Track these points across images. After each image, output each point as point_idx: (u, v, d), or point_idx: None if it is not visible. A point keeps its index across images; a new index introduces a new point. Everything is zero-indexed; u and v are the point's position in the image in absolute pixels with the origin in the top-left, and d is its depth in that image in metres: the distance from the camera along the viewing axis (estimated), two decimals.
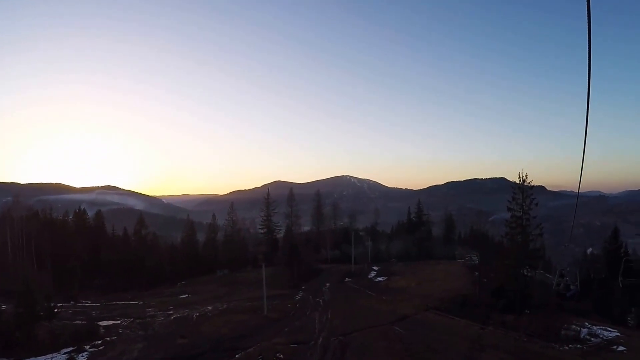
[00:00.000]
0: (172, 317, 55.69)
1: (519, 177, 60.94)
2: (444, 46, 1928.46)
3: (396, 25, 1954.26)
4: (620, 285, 28.74)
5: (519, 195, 61.08)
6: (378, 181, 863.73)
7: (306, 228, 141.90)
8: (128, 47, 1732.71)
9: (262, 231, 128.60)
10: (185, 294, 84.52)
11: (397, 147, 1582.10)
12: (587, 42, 7.52)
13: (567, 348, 43.91)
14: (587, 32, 7.30)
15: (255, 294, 67.99)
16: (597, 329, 54.32)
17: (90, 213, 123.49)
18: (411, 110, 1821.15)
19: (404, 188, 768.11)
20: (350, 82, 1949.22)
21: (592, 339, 49.20)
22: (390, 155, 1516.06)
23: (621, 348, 45.45)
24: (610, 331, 54.12)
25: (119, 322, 52.90)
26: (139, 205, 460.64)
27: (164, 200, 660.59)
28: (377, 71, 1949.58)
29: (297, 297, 72.63)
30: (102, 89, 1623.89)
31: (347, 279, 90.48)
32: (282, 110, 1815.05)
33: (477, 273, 72.22)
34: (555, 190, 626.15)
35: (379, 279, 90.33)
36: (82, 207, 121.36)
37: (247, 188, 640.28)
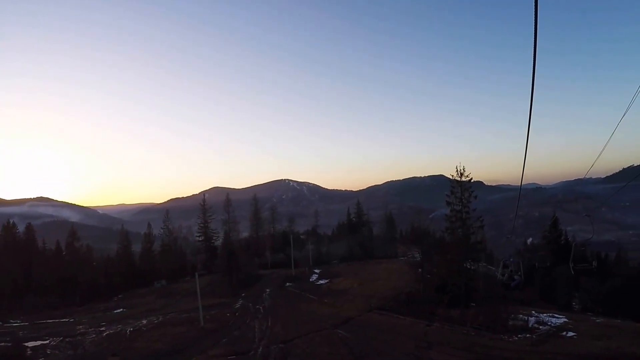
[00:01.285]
0: (104, 334, 52.61)
1: (457, 170, 60.72)
2: (379, 44, 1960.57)
3: (329, 24, 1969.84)
4: (572, 271, 28.29)
5: (457, 189, 60.85)
6: (318, 183, 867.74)
7: (245, 234, 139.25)
8: (62, 48, 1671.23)
9: (200, 239, 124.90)
10: (120, 309, 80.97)
11: (336, 149, 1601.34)
12: (533, 43, 7.28)
13: (516, 338, 43.71)
14: (532, 33, 7.07)
15: (194, 304, 65.53)
16: (544, 316, 54.66)
17: (22, 226, 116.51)
18: (348, 112, 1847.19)
19: (343, 189, 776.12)
20: (285, 85, 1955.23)
21: (541, 327, 49.23)
22: (330, 157, 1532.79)
23: (571, 334, 45.61)
24: (557, 317, 54.46)
25: (47, 342, 49.61)
26: (73, 217, 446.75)
27: (100, 211, 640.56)
28: (312, 73, 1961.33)
29: (237, 306, 70.16)
30: (31, 93, 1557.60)
31: (288, 284, 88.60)
32: (217, 116, 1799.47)
33: (420, 270, 71.82)
34: (493, 184, 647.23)
35: (321, 281, 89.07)
36: (12, 221, 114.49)
37: (184, 196, 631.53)
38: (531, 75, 8.06)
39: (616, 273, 79.49)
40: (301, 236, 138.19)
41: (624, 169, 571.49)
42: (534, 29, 6.95)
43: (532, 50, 7.41)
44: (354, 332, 46.66)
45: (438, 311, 56.73)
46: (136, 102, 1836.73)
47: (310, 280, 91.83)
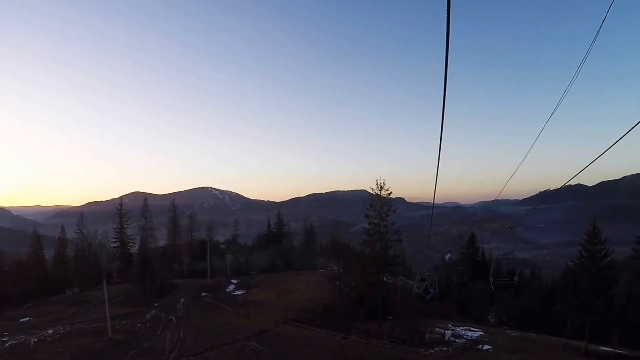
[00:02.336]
0: (7, 345, 49.46)
1: (377, 184, 60.84)
2: (306, 57, 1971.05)
3: (253, 29, 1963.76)
4: (492, 286, 28.77)
5: (376, 203, 60.96)
6: (240, 193, 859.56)
7: (164, 241, 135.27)
8: None
9: (115, 245, 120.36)
10: (26, 317, 76.36)
11: (260, 159, 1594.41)
12: (444, 66, 7.09)
13: (432, 351, 44.64)
14: (444, 56, 6.79)
15: (105, 314, 62.70)
16: (460, 329, 56.30)
17: None
18: (274, 123, 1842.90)
19: (266, 200, 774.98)
20: (210, 93, 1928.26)
21: (457, 340, 50.68)
22: (254, 167, 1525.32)
23: (487, 347, 47.33)
24: (473, 331, 56.30)
25: None
26: None
27: (13, 212, 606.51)
28: (237, 81, 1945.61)
29: (149, 315, 67.89)
30: None
31: (203, 294, 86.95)
32: (142, 121, 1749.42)
33: (337, 282, 72.13)
34: (414, 201, 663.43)
35: (238, 292, 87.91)
36: None
37: (104, 199, 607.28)
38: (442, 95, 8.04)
39: (530, 289, 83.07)
40: (221, 245, 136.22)
41: (540, 192, 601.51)
42: (445, 59, 6.87)
43: (443, 78, 7.40)
44: (268, 344, 46.38)
45: (355, 324, 57.29)
46: (56, 101, 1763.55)
47: (227, 290, 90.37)
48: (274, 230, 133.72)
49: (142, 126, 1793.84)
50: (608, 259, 50.92)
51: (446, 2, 5.68)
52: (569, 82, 11.51)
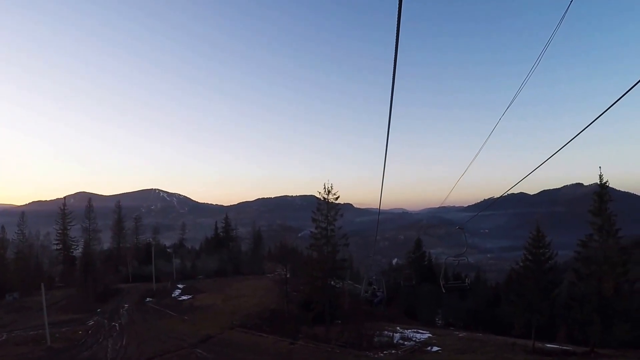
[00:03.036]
0: None
1: (324, 188, 60.81)
2: (257, 61, 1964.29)
3: (203, 33, 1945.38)
4: (443, 289, 28.76)
5: (324, 206, 60.96)
6: (188, 196, 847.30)
7: (108, 244, 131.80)
8: None
9: (58, 247, 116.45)
10: None
11: (209, 162, 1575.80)
12: (392, 73, 6.97)
13: (381, 355, 44.94)
14: (392, 64, 6.74)
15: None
16: (409, 332, 56.96)
17: None
18: (224, 125, 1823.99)
19: (214, 203, 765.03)
20: (159, 93, 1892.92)
21: (406, 342, 51.20)
22: (202, 169, 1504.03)
23: (435, 348, 48.14)
24: (422, 333, 57.01)
25: None
26: None
27: None
28: (186, 83, 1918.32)
29: (91, 322, 66.01)
30: None
31: (148, 299, 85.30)
32: (89, 118, 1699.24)
33: (285, 286, 71.89)
34: (362, 207, 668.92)
35: (184, 297, 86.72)
36: None
37: (48, 199, 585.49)
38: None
39: (476, 292, 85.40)
40: (168, 249, 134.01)
41: (484, 200, 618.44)
42: (393, 67, 6.86)
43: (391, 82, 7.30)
44: (214, 351, 46.09)
45: (302, 329, 57.02)
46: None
47: (173, 295, 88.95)
48: (221, 234, 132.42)
49: (89, 124, 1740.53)
50: (552, 261, 52.53)
51: (397, 9, 5.61)
52: (514, 95, 11.94)
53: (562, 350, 49.73)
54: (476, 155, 19.01)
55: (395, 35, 6.00)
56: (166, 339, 52.15)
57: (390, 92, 7.51)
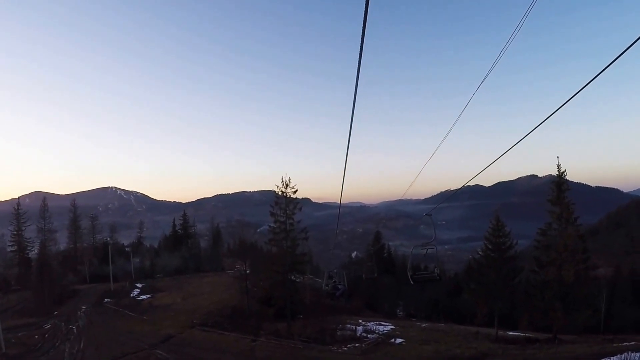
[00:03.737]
0: None
1: (282, 181, 60.19)
2: (214, 56, 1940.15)
3: (168, 29, 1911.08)
4: (411, 281, 27.29)
5: (282, 200, 60.34)
6: (146, 193, 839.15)
7: (65, 245, 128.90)
8: None
9: (13, 249, 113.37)
10: None
11: (166, 159, 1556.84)
12: (357, 70, 7.14)
13: (345, 349, 45.07)
14: (357, 60, 6.85)
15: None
16: (372, 324, 57.31)
17: None
18: (180, 122, 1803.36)
19: (172, 200, 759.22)
20: (116, 90, 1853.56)
21: (369, 335, 51.40)
22: (159, 166, 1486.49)
23: (399, 340, 48.49)
24: (385, 325, 57.49)
25: None
26: None
27: None
28: (144, 78, 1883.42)
29: (47, 326, 64.40)
30: None
31: (106, 300, 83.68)
32: (44, 116, 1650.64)
33: (245, 283, 71.20)
34: (320, 202, 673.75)
35: (142, 297, 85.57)
36: None
37: (2, 199, 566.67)
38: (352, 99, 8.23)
39: (436, 282, 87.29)
40: (126, 248, 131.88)
41: (441, 192, 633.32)
42: (357, 63, 6.94)
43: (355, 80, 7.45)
44: (174, 351, 45.57)
45: (264, 325, 57.05)
46: None
47: (132, 295, 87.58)
48: (179, 231, 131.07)
49: (43, 123, 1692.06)
50: (513, 250, 53.91)
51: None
52: (473, 92, 12.37)
53: (526, 337, 50.74)
54: (437, 149, 19.41)
55: (362, 27, 6.00)
56: (125, 341, 51.39)
57: (355, 85, 7.62)
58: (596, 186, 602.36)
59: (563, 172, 49.31)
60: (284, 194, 60.36)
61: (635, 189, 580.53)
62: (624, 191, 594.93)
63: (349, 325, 57.06)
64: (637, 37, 6.44)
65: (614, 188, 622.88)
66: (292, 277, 61.89)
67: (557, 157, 49.76)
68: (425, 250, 27.13)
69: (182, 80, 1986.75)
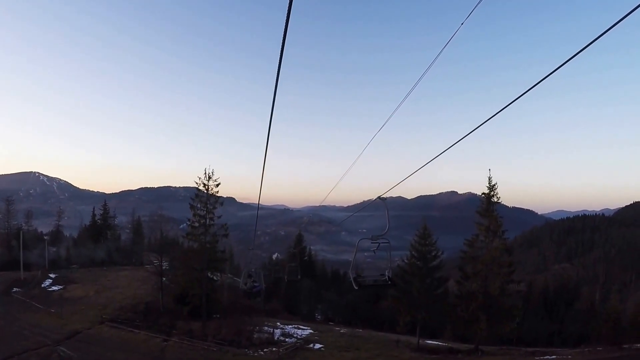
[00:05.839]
0: None
1: (205, 173, 59.21)
2: (144, 50, 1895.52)
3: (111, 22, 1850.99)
4: (355, 285, 21.80)
5: (203, 194, 59.23)
6: (70, 181, 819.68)
7: None
8: None
9: None
10: None
11: (92, 147, 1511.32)
12: (277, 71, 7.43)
13: (262, 353, 44.88)
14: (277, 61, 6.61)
15: None
16: (290, 328, 56.84)
17: None
18: (108, 111, 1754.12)
19: (96, 190, 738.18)
20: (43, 73, 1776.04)
21: (287, 339, 51.24)
22: (85, 154, 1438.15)
23: (318, 345, 48.33)
24: (303, 329, 57.26)
25: None
26: None
27: None
28: (74, 65, 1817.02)
29: None
30: None
31: (15, 289, 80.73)
32: None
33: (161, 278, 69.21)
34: (245, 202, 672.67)
35: (54, 288, 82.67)
36: None
37: None
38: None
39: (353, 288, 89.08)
40: (45, 237, 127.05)
41: (363, 201, 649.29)
42: (278, 65, 7.45)
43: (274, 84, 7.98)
44: (79, 349, 44.20)
45: (177, 324, 55.96)
46: None
47: (43, 285, 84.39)
48: (99, 222, 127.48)
49: None
50: (438, 260, 54.72)
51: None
52: (399, 102, 12.70)
53: (448, 348, 51.48)
54: (358, 157, 19.77)
55: (284, 26, 5.53)
56: (29, 335, 49.42)
57: (275, 86, 7.65)
58: (513, 206, 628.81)
59: (494, 185, 50.18)
60: (206, 187, 59.46)
61: (550, 211, 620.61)
62: (539, 213, 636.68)
63: (266, 328, 56.59)
64: (548, 73, 6.23)
65: (529, 210, 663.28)
66: (210, 274, 61.12)
67: (489, 169, 51.18)
68: (377, 244, 18.76)
69: (113, 71, 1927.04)
